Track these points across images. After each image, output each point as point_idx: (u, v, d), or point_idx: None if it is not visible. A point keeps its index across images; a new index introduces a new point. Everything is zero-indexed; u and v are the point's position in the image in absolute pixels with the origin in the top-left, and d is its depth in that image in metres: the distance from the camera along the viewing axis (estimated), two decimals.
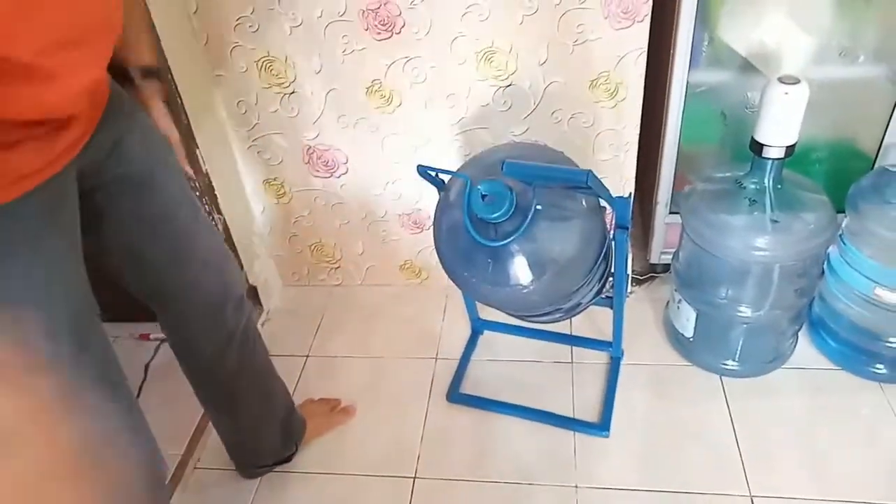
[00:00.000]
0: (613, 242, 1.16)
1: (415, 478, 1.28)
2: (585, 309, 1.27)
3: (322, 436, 1.36)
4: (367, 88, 1.36)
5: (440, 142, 1.42)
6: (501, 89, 1.33)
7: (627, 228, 1.12)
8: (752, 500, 1.17)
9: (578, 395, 1.39)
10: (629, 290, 1.62)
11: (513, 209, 0.97)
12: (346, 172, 1.52)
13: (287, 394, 1.28)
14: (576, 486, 1.23)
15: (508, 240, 0.98)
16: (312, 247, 1.69)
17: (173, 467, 1.31)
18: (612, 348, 1.43)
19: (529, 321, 1.33)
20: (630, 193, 1.10)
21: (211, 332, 1.07)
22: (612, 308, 1.32)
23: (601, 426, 1.32)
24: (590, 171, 0.92)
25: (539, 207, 0.99)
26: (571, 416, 1.35)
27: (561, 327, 1.52)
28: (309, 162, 1.51)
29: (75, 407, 0.74)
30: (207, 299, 1.03)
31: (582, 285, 1.12)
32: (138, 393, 1.49)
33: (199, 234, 1.00)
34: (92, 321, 0.78)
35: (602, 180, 1.43)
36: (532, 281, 1.03)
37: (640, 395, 1.38)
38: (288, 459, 1.31)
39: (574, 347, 1.50)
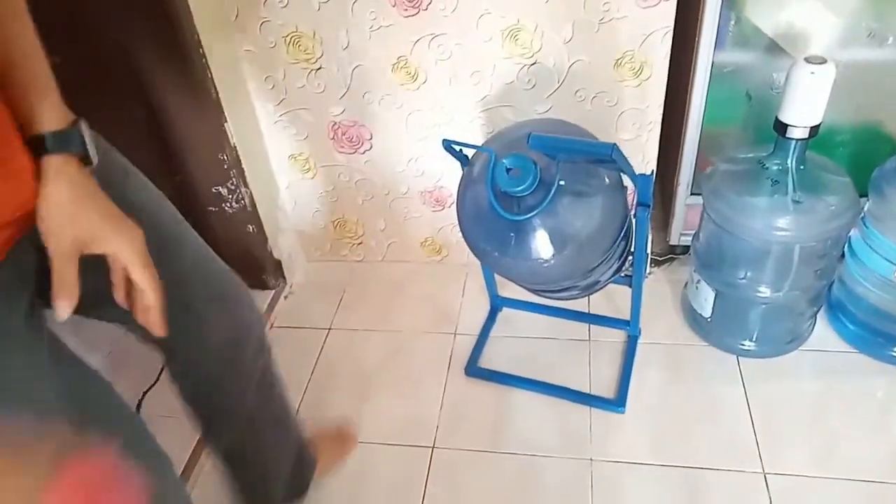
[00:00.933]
0: (634, 220, 1.18)
1: (433, 448, 1.31)
2: (604, 287, 1.29)
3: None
4: (393, 65, 1.37)
5: (464, 119, 1.44)
6: (526, 67, 1.34)
7: (649, 206, 1.13)
8: (765, 478, 1.19)
9: (595, 372, 1.41)
10: (648, 271, 1.63)
11: (537, 183, 0.98)
12: (370, 149, 1.54)
13: (299, 446, 1.14)
14: (591, 460, 1.25)
15: (531, 214, 1.00)
16: (335, 222, 1.72)
17: (190, 450, 1.33)
18: (630, 326, 1.45)
19: (547, 297, 1.35)
20: (652, 171, 1.11)
21: (225, 378, 0.92)
22: (630, 286, 1.33)
23: (617, 402, 1.34)
24: (614, 144, 0.94)
25: (562, 182, 1.00)
26: (591, 390, 1.37)
27: (579, 305, 1.54)
28: (334, 138, 1.53)
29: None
30: (218, 342, 0.88)
31: (602, 261, 1.13)
32: (157, 377, 1.51)
33: (200, 271, 0.85)
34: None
35: None
36: (553, 255, 1.04)
37: (657, 373, 1.40)
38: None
39: (592, 325, 1.52)
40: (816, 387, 1.34)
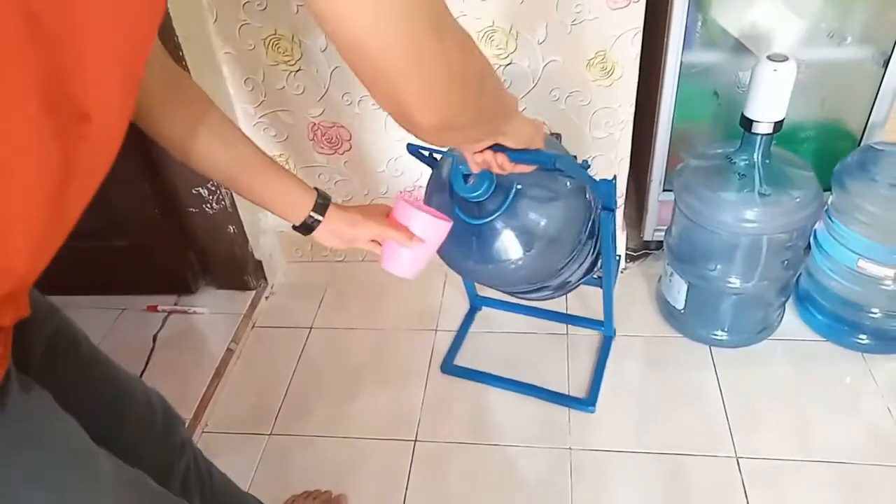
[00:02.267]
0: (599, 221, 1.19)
1: (415, 441, 1.33)
2: (576, 287, 1.30)
3: None
4: None
5: None
6: (501, 68, 1.37)
7: (613, 210, 1.13)
8: (737, 461, 1.23)
9: (573, 366, 1.44)
10: (623, 267, 1.67)
11: (492, 189, 1.00)
12: (349, 149, 1.56)
13: None
14: (570, 449, 1.28)
15: (489, 218, 1.02)
16: None
17: None
18: (604, 327, 1.47)
19: (521, 298, 1.36)
20: (615, 176, 1.12)
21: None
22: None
23: (588, 402, 1.35)
24: (559, 154, 0.94)
25: (519, 187, 1.02)
26: (566, 386, 1.40)
27: (556, 305, 1.56)
28: (313, 139, 1.55)
29: None
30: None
31: (569, 262, 1.14)
32: (146, 363, 1.53)
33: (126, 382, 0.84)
34: None
35: (598, 158, 1.49)
36: (515, 258, 1.06)
37: (633, 364, 1.44)
38: None
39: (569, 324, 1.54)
40: (787, 374, 1.39)
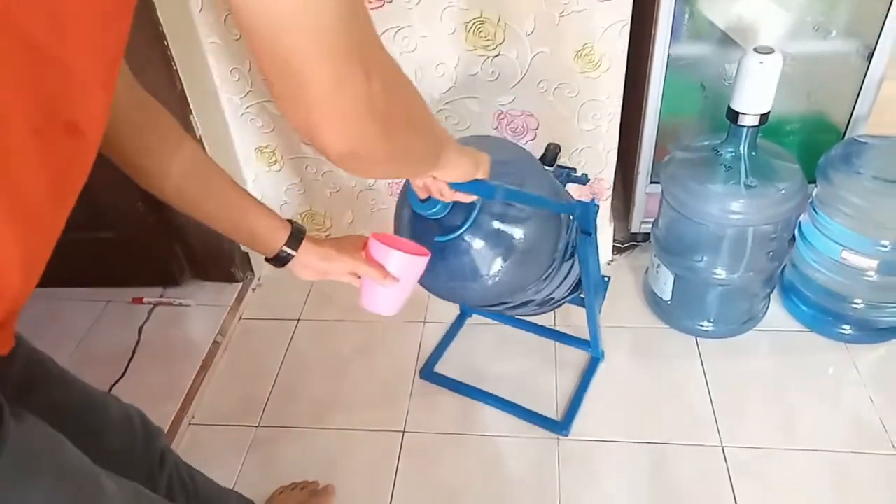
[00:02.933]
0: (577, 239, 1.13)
1: (403, 432, 1.33)
2: (562, 304, 1.28)
3: None
4: None
5: None
6: (489, 59, 1.37)
7: (590, 234, 1.09)
8: (723, 450, 1.24)
9: (561, 376, 1.42)
10: (611, 259, 1.68)
11: (450, 207, 0.95)
12: None
13: None
14: (557, 439, 1.29)
15: (452, 235, 0.98)
16: (303, 215, 1.73)
17: (168, 424, 1.35)
18: (591, 348, 1.43)
19: (505, 313, 1.33)
20: (593, 198, 1.07)
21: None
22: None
23: (562, 425, 1.31)
24: (499, 185, 0.89)
25: (482, 203, 0.97)
26: (554, 395, 1.38)
27: (545, 321, 1.53)
28: None
29: None
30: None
31: (545, 280, 1.10)
32: (132, 355, 1.52)
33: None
34: None
35: (585, 150, 1.49)
36: (483, 275, 1.01)
37: (620, 356, 1.45)
38: None
39: (560, 319, 1.54)
40: (771, 364, 1.40)
